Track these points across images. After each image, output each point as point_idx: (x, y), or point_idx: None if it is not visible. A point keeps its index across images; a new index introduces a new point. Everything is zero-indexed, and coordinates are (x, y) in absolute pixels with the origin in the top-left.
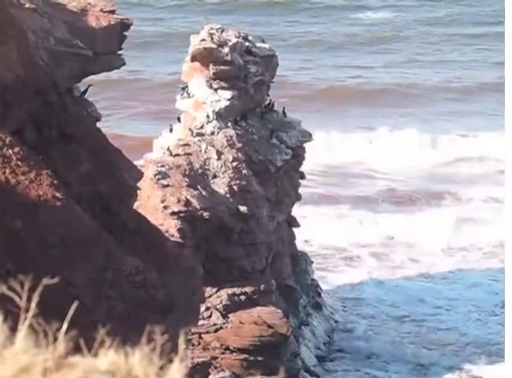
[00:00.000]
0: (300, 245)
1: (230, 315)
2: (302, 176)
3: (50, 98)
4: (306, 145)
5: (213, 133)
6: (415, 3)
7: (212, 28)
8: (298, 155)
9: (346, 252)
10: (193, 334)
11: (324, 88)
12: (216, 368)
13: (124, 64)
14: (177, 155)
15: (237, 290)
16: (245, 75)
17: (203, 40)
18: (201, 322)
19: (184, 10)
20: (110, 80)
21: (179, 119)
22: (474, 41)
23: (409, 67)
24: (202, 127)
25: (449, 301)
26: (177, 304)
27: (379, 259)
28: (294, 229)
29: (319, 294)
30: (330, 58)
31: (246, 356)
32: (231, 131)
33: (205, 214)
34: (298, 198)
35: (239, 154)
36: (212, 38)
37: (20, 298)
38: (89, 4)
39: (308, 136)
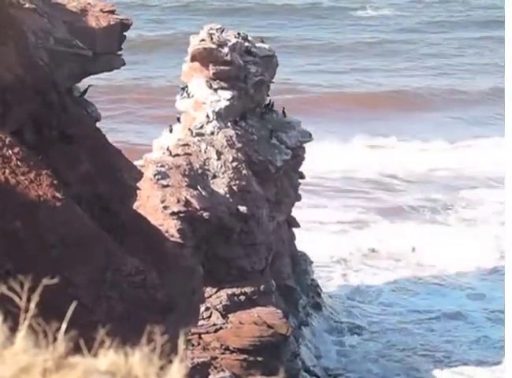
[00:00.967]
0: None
1: (230, 315)
2: (302, 176)
3: (50, 99)
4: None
5: (212, 133)
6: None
7: (211, 28)
8: (297, 155)
9: None
10: (193, 334)
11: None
12: (216, 368)
13: (123, 64)
14: (177, 155)
15: (237, 290)
16: (245, 75)
17: (203, 40)
18: (201, 322)
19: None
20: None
21: (178, 119)
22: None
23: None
24: (201, 127)
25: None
26: (177, 304)
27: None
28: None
29: (319, 295)
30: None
31: (245, 356)
32: (230, 132)
33: (205, 214)
34: (297, 198)
35: (239, 154)
36: (211, 39)
37: (20, 298)
38: (89, 4)
39: (308, 136)
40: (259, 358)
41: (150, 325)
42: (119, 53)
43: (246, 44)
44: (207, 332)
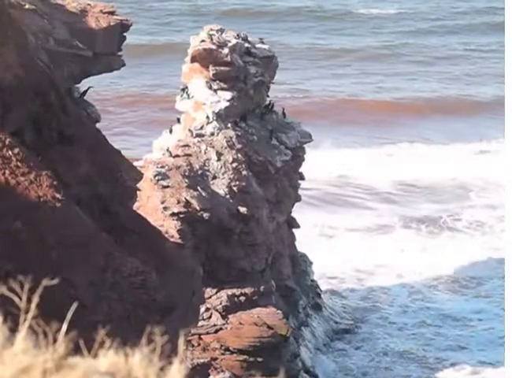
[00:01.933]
0: None
1: (230, 316)
2: (302, 177)
3: (50, 99)
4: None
5: (212, 134)
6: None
7: (211, 29)
8: (297, 156)
9: None
10: (193, 335)
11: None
12: (216, 369)
13: (123, 65)
14: (177, 156)
15: (237, 291)
16: (245, 76)
17: (203, 41)
18: (201, 323)
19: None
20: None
21: (178, 120)
22: None
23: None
24: (201, 128)
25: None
26: (177, 305)
27: None
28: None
29: (319, 295)
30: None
31: (245, 357)
32: (230, 132)
33: (205, 215)
34: (297, 198)
35: (239, 155)
36: (211, 39)
37: (20, 299)
38: (89, 5)
39: (308, 137)
40: (259, 359)
41: (150, 326)
42: (119, 53)
43: (246, 45)
44: (207, 333)
